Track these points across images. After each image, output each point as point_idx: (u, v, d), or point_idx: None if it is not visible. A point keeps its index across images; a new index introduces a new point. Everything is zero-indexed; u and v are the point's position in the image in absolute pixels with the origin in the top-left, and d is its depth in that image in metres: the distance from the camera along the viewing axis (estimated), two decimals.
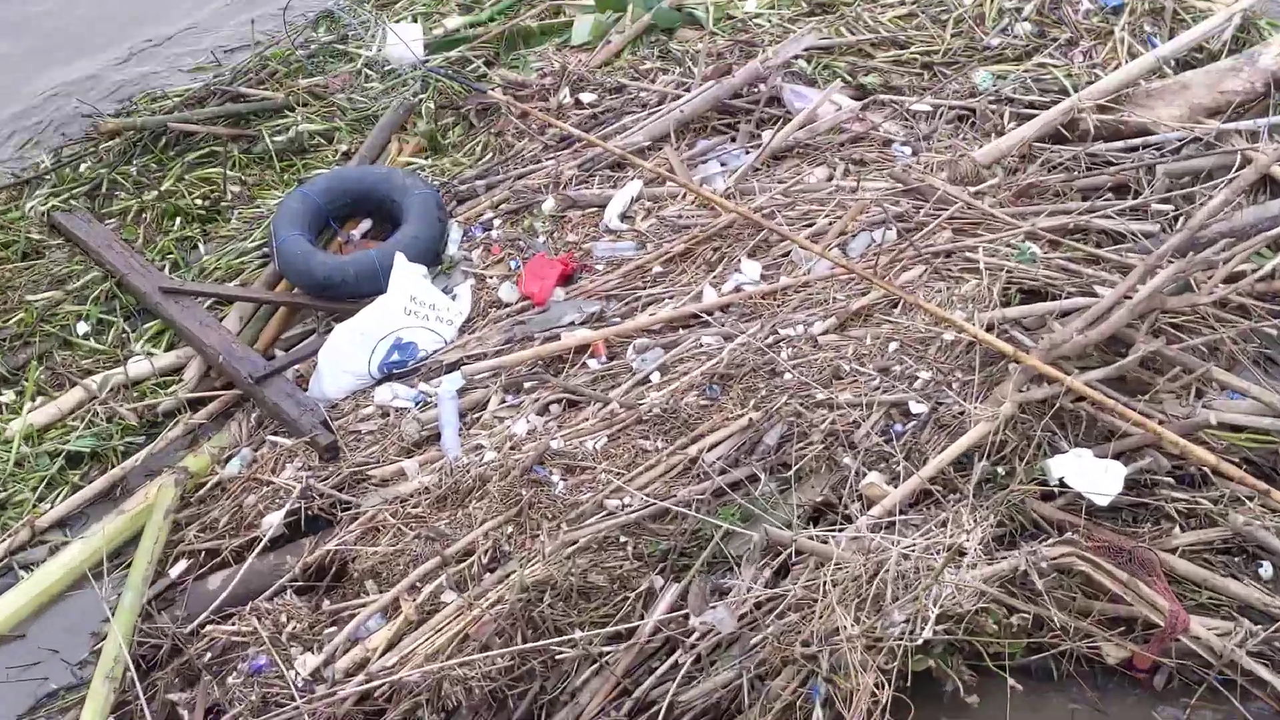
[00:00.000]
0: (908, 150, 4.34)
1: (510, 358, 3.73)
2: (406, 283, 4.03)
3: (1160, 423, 3.12)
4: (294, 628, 3.13)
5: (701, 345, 3.61)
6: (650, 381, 3.55)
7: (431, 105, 5.13)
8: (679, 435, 3.30)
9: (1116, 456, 3.09)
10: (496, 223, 4.48)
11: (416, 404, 3.74)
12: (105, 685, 3.05)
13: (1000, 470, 3.04)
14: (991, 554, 2.85)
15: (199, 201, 4.84)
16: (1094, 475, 3.00)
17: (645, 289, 3.94)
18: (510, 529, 3.17)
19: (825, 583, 2.71)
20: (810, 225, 4.00)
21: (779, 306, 3.69)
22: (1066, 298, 3.51)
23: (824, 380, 3.34)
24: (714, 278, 3.89)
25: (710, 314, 3.71)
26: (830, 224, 3.97)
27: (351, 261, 4.19)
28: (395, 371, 3.89)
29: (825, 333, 3.54)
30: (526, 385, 3.68)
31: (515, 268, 4.20)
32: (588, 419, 3.47)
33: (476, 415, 3.64)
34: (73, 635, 3.25)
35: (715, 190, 4.24)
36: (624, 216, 4.28)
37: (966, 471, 3.05)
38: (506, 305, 4.08)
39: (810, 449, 3.14)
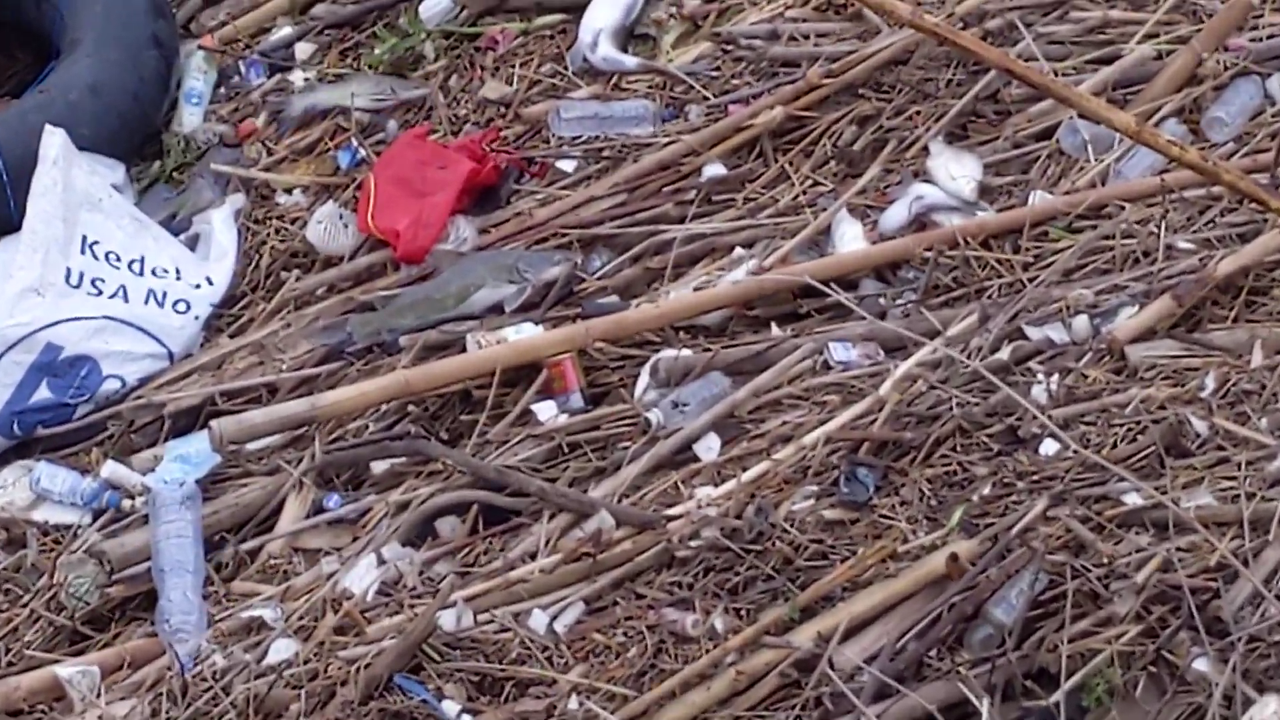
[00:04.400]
0: None
1: (336, 397, 3.81)
2: (73, 205, 4.10)
3: None
4: None
5: (828, 364, 3.68)
6: (696, 459, 3.62)
7: None
8: (769, 598, 3.34)
9: None
10: (304, 52, 4.59)
11: (95, 514, 3.81)
12: None
13: None
14: None
15: None
16: None
17: (683, 222, 4.03)
18: None
19: None
20: (1104, 62, 4.09)
21: (1025, 269, 3.76)
22: None
23: (1142, 458, 3.39)
24: (859, 192, 3.97)
25: (851, 286, 3.78)
26: (1157, 59, 4.06)
27: None
28: (44, 430, 3.99)
29: (1143, 337, 3.60)
30: (377, 469, 3.76)
31: (349, 165, 4.31)
32: (534, 555, 3.52)
33: (251, 546, 3.71)
34: None
35: None
36: (629, 35, 4.38)
37: None
38: (331, 263, 4.20)
39: (1106, 635, 3.19)
